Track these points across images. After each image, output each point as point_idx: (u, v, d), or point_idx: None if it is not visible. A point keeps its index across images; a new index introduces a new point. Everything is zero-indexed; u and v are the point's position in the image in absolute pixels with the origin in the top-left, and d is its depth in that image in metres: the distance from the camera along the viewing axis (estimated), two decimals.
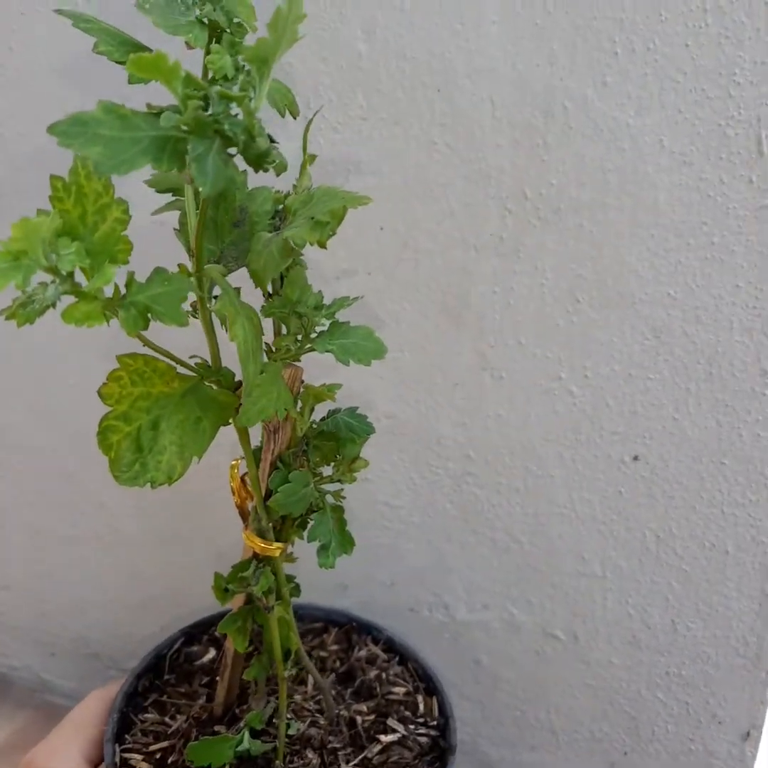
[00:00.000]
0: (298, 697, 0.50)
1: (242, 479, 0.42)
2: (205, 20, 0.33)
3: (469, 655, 0.60)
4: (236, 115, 0.26)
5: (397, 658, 0.54)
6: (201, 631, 0.54)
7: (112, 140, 0.23)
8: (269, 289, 0.38)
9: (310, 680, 0.52)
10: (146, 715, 0.49)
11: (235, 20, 0.33)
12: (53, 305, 0.27)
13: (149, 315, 0.29)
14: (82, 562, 0.69)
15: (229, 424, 0.36)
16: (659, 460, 0.50)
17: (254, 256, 0.34)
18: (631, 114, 0.44)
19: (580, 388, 0.50)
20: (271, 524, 0.40)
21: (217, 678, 0.49)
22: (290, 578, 0.43)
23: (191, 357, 0.35)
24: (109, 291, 0.28)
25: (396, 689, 0.51)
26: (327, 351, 0.36)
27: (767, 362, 0.47)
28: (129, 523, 0.65)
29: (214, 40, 0.33)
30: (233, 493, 0.42)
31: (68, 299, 0.28)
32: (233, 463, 0.42)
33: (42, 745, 0.47)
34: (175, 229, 0.38)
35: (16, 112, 0.53)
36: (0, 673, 0.79)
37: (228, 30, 0.33)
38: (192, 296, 0.32)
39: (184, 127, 0.25)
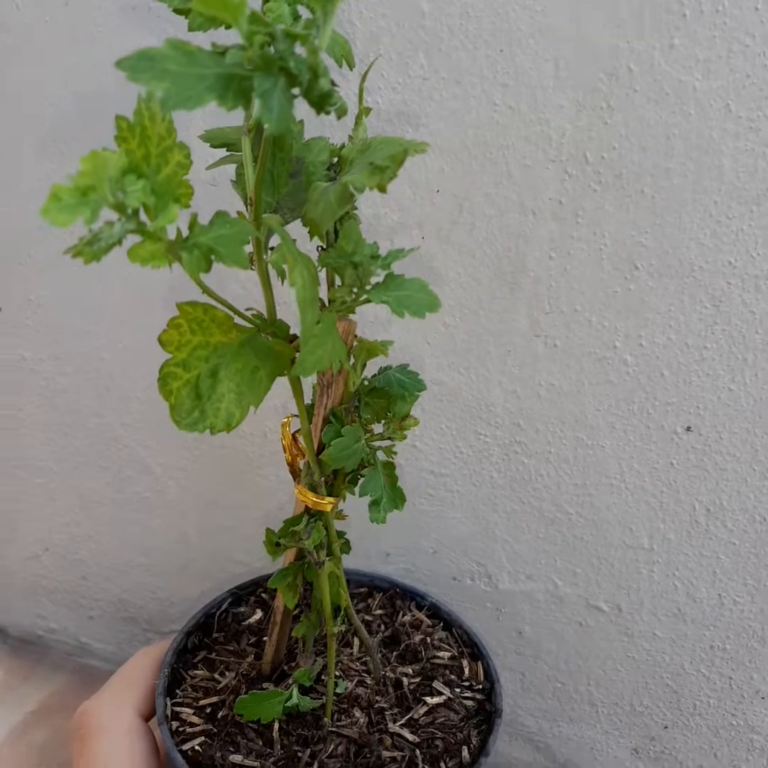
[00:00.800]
0: (344, 658, 0.50)
1: (293, 437, 0.42)
2: None
3: (510, 626, 0.60)
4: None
5: (441, 624, 0.54)
6: (248, 593, 0.55)
7: (178, 76, 0.23)
8: (323, 245, 0.38)
9: (356, 642, 0.52)
10: (196, 672, 0.49)
11: None
12: (119, 243, 0.27)
13: (212, 257, 0.29)
14: (124, 525, 0.69)
15: (284, 375, 0.36)
16: (713, 431, 0.50)
17: (311, 205, 0.34)
18: (698, 77, 0.44)
19: (635, 357, 0.49)
20: (323, 479, 0.41)
21: (265, 638, 0.49)
22: (341, 534, 0.43)
23: (247, 309, 0.35)
24: (171, 234, 0.28)
25: (441, 654, 0.51)
26: (382, 302, 0.36)
27: None
28: (173, 487, 0.66)
29: None
30: (284, 451, 0.43)
31: (132, 241, 0.28)
32: (284, 421, 0.42)
33: (94, 699, 0.48)
34: (231, 180, 0.38)
35: (69, 68, 0.54)
36: (37, 635, 0.81)
37: None
38: (248, 248, 0.33)
39: (249, 66, 0.25)
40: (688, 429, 0.50)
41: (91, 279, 0.59)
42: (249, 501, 0.64)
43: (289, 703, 0.45)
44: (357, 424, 0.41)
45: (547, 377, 0.52)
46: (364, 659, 0.50)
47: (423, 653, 0.51)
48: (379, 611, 0.55)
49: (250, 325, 0.35)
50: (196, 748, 0.43)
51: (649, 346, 0.49)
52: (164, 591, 0.72)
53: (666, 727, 0.59)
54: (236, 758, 0.43)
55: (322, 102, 0.27)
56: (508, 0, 0.44)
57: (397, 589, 0.56)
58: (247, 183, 0.34)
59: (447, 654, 0.52)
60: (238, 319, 0.34)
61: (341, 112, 0.32)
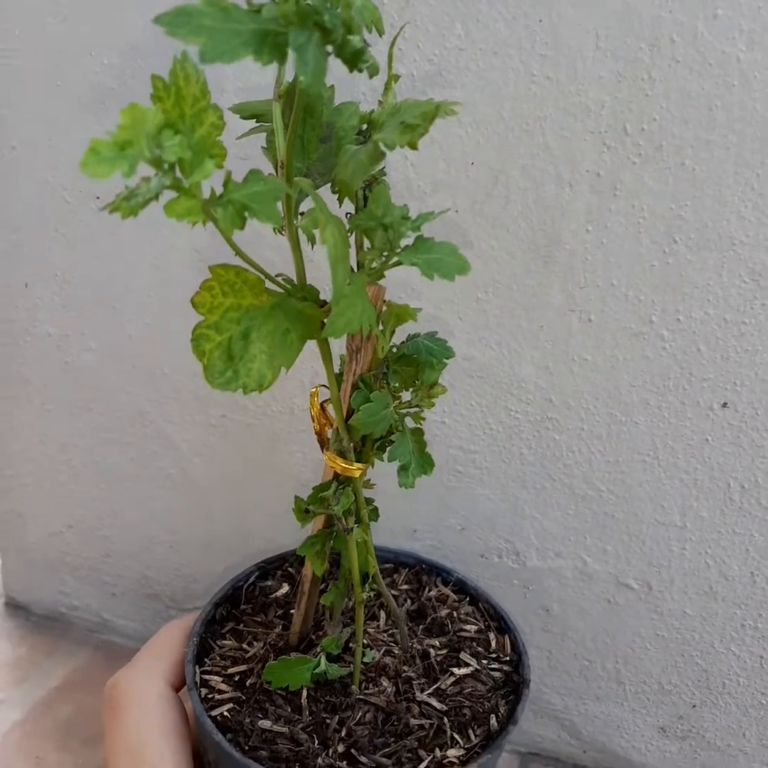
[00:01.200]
0: (371, 630, 0.50)
1: (321, 406, 0.43)
2: None
3: (538, 604, 0.60)
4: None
5: (467, 599, 0.54)
6: (275, 567, 0.55)
7: (215, 31, 0.24)
8: (353, 211, 0.38)
9: (382, 616, 0.52)
10: (224, 642, 0.49)
11: None
12: (156, 198, 0.27)
13: (246, 214, 0.29)
14: (149, 502, 0.70)
15: (314, 338, 0.36)
16: (749, 407, 0.49)
17: (341, 167, 0.34)
18: (742, 48, 0.43)
19: (672, 332, 0.49)
20: (351, 445, 0.41)
21: (292, 610, 0.50)
22: (369, 501, 0.43)
23: (277, 275, 0.35)
24: (205, 194, 0.29)
25: (467, 627, 0.51)
26: (412, 264, 0.36)
27: None
28: (198, 464, 0.66)
29: None
30: (313, 420, 0.43)
31: (168, 198, 0.28)
32: (313, 390, 0.43)
33: (124, 671, 0.48)
34: (262, 147, 0.38)
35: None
36: (60, 612, 0.81)
37: None
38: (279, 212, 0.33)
39: (283, 23, 0.25)
40: (724, 405, 0.50)
41: (117, 256, 0.59)
42: (275, 478, 0.64)
43: (317, 671, 0.45)
44: (385, 390, 0.41)
45: (580, 352, 0.51)
46: (391, 631, 0.50)
47: (449, 626, 0.51)
48: (405, 586, 0.55)
49: (281, 290, 0.35)
50: (225, 714, 0.44)
51: (686, 321, 0.48)
52: (188, 568, 0.72)
53: (694, 706, 0.58)
54: (265, 724, 0.43)
55: (355, 59, 0.27)
56: None
57: (423, 565, 0.56)
58: (277, 149, 0.35)
59: (473, 627, 0.51)
60: (269, 284, 0.35)
61: (373, 71, 0.32)
